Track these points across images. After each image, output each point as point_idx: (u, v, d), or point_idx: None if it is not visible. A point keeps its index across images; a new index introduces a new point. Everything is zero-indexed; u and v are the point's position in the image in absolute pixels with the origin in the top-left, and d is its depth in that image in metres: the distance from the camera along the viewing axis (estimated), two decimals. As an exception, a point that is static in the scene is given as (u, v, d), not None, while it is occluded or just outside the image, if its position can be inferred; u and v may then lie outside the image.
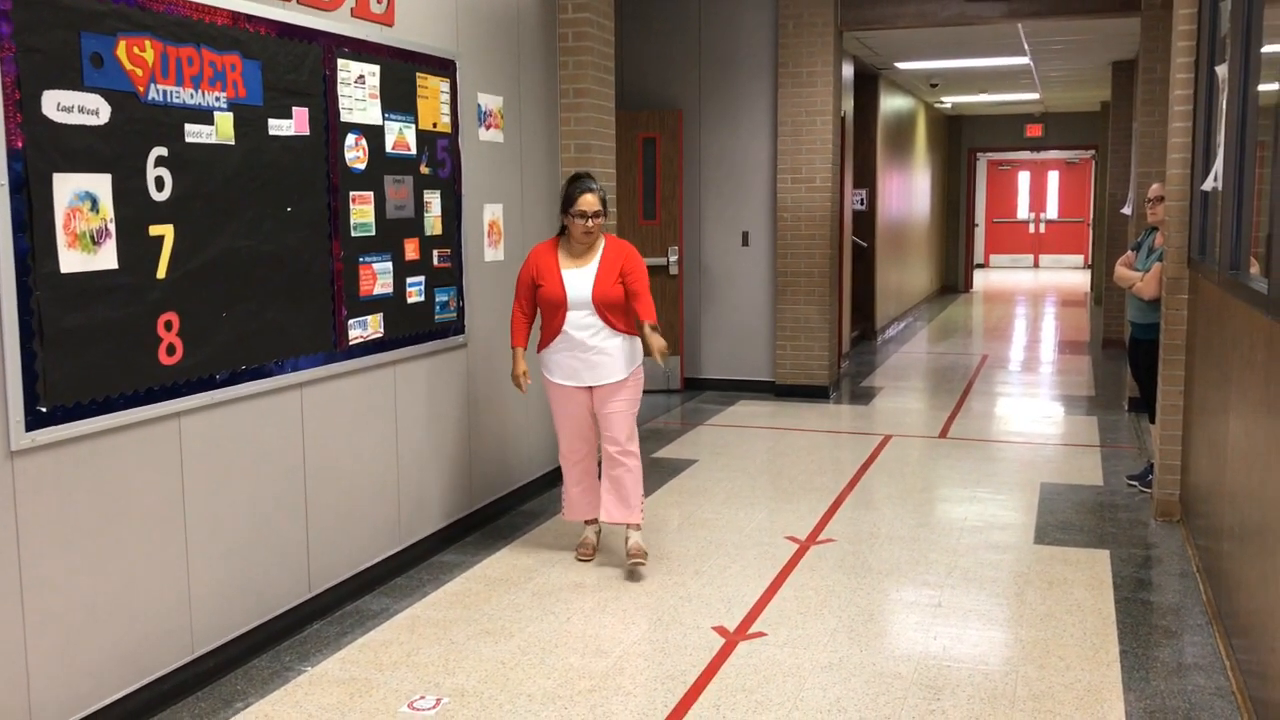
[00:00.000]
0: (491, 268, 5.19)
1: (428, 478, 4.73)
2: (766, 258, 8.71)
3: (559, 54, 5.81)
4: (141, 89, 3.08)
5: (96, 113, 2.93)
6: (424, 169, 4.55)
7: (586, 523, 4.75)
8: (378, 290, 4.27)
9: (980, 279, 20.94)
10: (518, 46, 5.39)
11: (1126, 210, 9.84)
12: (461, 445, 5.00)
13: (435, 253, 4.67)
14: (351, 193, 4.09)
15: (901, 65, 11.77)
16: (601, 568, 4.58)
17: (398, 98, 4.35)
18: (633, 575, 4.40)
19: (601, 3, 5.90)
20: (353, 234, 4.10)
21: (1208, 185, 4.60)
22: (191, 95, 3.26)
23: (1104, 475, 6.10)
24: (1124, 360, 9.82)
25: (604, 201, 4.35)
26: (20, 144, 2.73)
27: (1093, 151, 19.46)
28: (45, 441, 2.84)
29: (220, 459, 3.49)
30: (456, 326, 4.86)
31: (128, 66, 3.02)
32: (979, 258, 23.92)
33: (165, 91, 3.16)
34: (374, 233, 4.23)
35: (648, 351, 4.29)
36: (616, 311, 4.36)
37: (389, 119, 4.30)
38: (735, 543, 4.89)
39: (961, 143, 18.66)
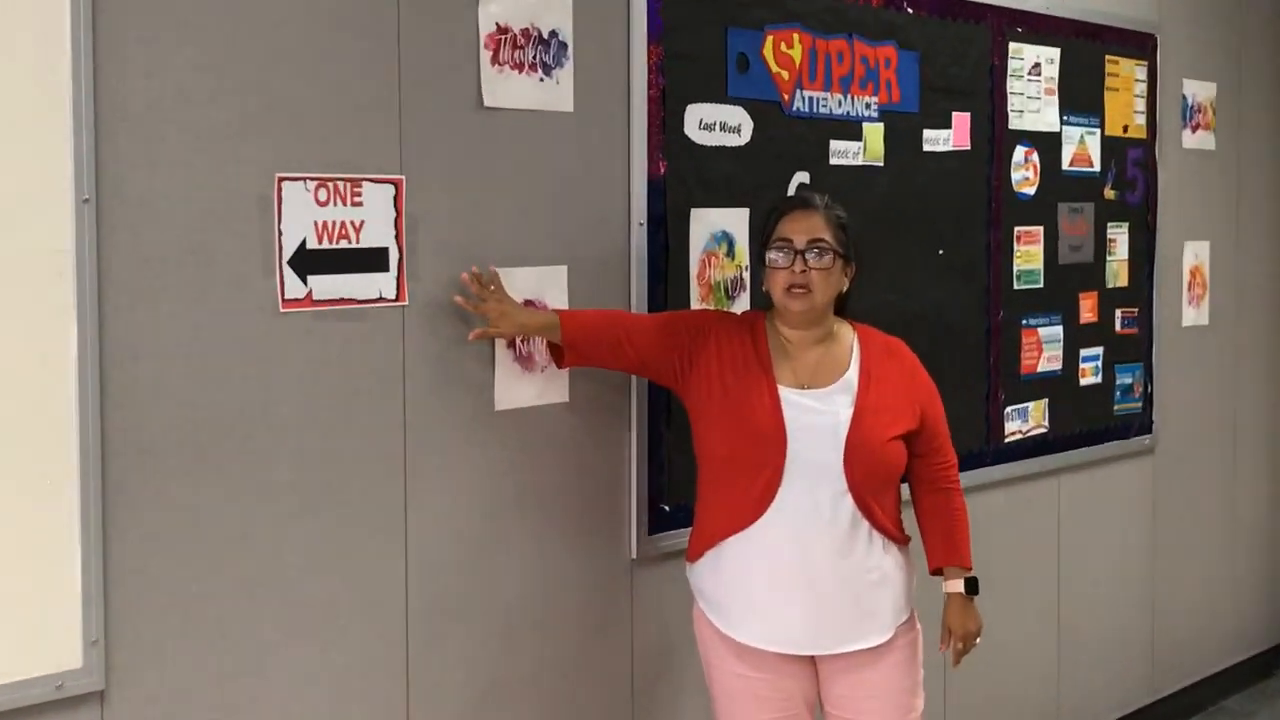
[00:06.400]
0: (1190, 336, 5.03)
1: (1089, 640, 4.65)
2: None
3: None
4: (787, 97, 3.39)
5: (738, 130, 3.28)
6: (1109, 192, 4.56)
7: None
8: (1043, 366, 4.31)
9: None
10: (1241, 10, 5.24)
11: None
12: (1140, 598, 4.86)
13: (1119, 313, 4.63)
14: (1016, 228, 4.18)
15: None
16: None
17: (1080, 92, 4.41)
18: None
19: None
20: (1015, 285, 4.19)
21: None
22: (840, 102, 3.53)
23: None
24: None
25: (844, 228, 2.89)
26: (662, 171, 3.11)
27: None
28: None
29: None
30: (1142, 422, 4.76)
31: (774, 69, 3.34)
32: None
33: (811, 99, 3.45)
34: (1041, 283, 4.29)
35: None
36: (888, 493, 2.91)
37: (1068, 122, 4.37)
38: None
39: None
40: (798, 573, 2.76)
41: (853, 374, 2.86)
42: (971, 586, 2.95)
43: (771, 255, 2.81)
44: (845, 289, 2.92)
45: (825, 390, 2.83)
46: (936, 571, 2.98)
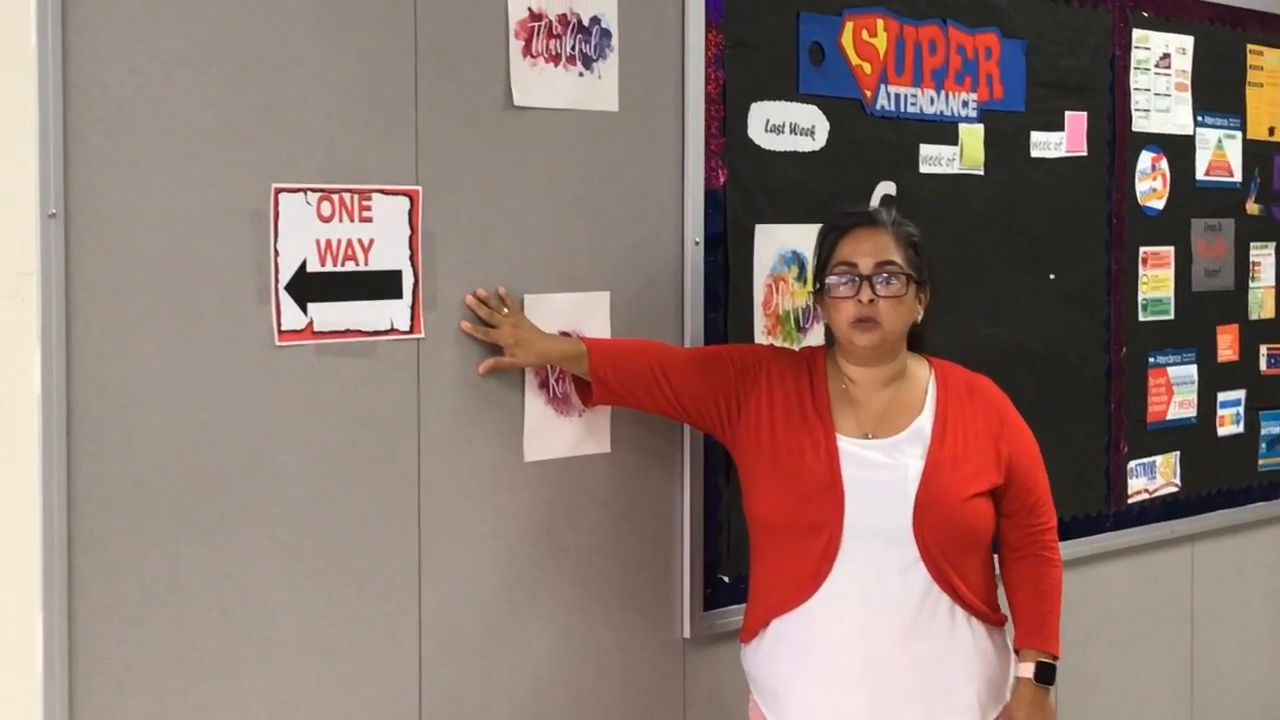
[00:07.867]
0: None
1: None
2: None
3: None
4: (869, 94, 3.40)
5: (811, 132, 3.30)
6: (1252, 206, 4.56)
7: None
8: (1174, 413, 4.30)
9: None
10: None
11: None
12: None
13: (1264, 350, 4.61)
14: (1141, 249, 4.18)
15: None
16: None
17: (1217, 87, 4.41)
18: None
19: None
20: (1140, 316, 4.18)
21: None
22: (932, 100, 3.54)
23: None
24: None
25: (915, 247, 2.87)
26: (721, 181, 3.12)
27: None
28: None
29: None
30: (1295, 481, 4.77)
31: (854, 61, 3.36)
32: None
33: (898, 96, 3.46)
34: (1171, 314, 4.28)
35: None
36: (971, 562, 2.87)
37: (1203, 123, 4.37)
38: None
39: None
40: (859, 658, 2.73)
41: (925, 419, 2.82)
42: (1044, 674, 2.86)
43: (831, 282, 2.78)
44: (919, 318, 2.87)
45: (892, 440, 2.80)
46: (1017, 653, 2.92)
